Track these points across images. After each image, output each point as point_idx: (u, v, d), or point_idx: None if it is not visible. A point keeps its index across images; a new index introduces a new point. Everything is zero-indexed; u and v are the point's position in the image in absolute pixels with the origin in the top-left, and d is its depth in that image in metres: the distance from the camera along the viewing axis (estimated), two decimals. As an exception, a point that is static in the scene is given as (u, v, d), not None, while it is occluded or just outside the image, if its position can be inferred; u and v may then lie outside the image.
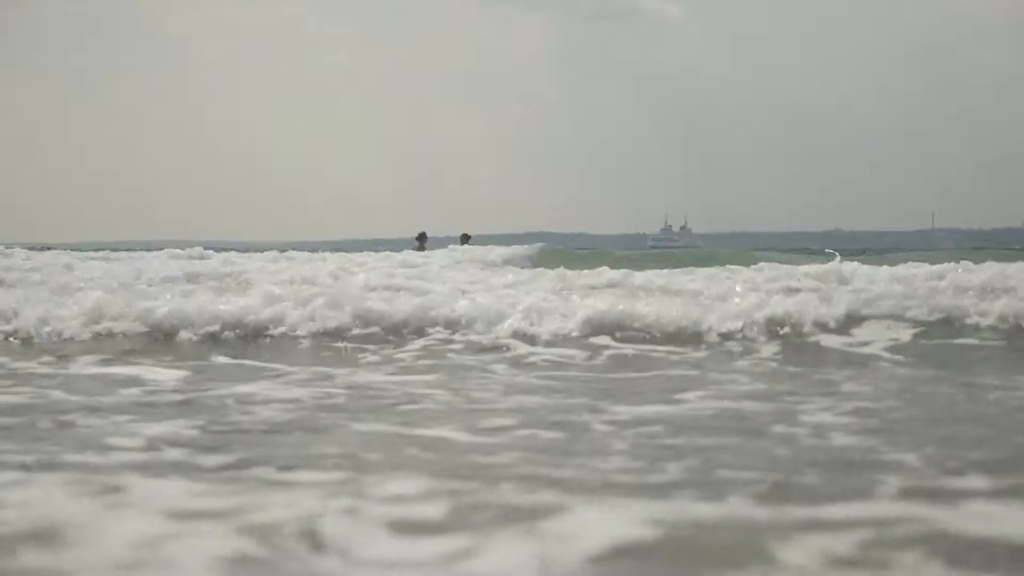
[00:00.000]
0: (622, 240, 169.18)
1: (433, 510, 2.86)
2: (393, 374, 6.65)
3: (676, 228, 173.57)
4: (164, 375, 6.56)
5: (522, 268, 23.43)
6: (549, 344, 7.82)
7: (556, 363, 7.14)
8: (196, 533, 2.65)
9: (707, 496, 3.20)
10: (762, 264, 15.73)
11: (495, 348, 7.77)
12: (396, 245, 43.02)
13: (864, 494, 3.23)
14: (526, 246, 29.90)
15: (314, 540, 2.61)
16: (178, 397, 5.62)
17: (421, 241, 30.98)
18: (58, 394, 5.68)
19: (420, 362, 7.25)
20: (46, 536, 2.62)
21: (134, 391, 5.86)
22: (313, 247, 43.23)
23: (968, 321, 8.11)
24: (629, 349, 7.74)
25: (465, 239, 31.62)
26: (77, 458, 3.83)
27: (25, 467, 3.61)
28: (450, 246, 30.08)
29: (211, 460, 3.84)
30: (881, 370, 6.75)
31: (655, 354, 7.55)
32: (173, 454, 3.98)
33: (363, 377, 6.44)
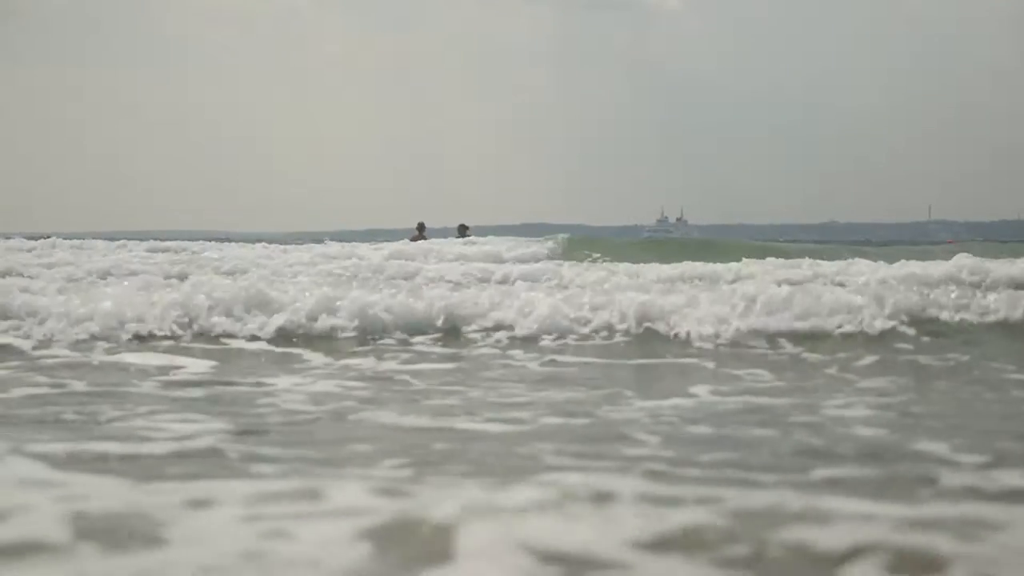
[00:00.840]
0: (619, 231, 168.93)
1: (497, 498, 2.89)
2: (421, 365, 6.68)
3: (672, 219, 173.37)
4: (197, 365, 6.61)
5: (550, 260, 23.13)
6: (581, 338, 7.79)
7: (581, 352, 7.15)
8: (286, 534, 2.66)
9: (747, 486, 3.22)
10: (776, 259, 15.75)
11: (524, 341, 7.74)
12: (392, 236, 42.88)
13: (896, 487, 3.26)
14: (556, 236, 28.69)
15: (410, 536, 2.64)
16: (207, 390, 5.64)
17: (420, 231, 30.53)
18: (81, 385, 5.70)
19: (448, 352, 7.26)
20: (141, 533, 2.63)
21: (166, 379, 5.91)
22: (308, 238, 43.16)
23: (983, 316, 8.05)
24: (642, 342, 7.74)
25: (463, 231, 30.80)
26: (125, 450, 3.86)
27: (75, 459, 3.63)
28: (449, 238, 29.70)
29: (267, 453, 3.87)
30: (905, 363, 6.71)
31: (670, 346, 7.54)
32: (229, 447, 4.01)
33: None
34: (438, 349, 7.44)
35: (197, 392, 5.52)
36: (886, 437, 4.17)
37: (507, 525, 2.62)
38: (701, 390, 5.49)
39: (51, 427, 4.40)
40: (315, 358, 6.91)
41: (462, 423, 4.53)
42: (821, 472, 3.48)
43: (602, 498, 2.88)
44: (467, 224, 31.24)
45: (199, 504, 2.81)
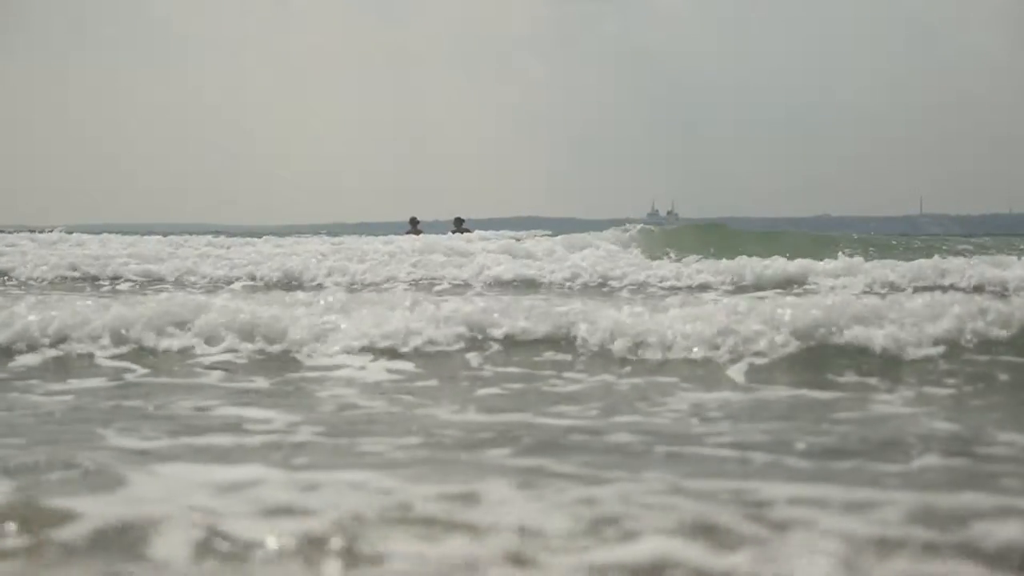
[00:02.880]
0: (611, 225, 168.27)
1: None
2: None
3: (663, 213, 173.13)
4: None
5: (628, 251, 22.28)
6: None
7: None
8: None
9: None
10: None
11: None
12: (385, 229, 42.80)
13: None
14: (627, 227, 27.69)
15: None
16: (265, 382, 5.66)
17: (414, 225, 30.26)
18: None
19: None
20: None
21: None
22: (304, 231, 43.12)
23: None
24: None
25: (459, 224, 30.51)
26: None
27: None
28: (450, 232, 29.34)
29: (357, 445, 3.93)
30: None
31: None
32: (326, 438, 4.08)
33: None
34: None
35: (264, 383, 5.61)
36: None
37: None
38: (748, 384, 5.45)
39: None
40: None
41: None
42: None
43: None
44: (463, 217, 31.07)
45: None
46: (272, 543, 2.66)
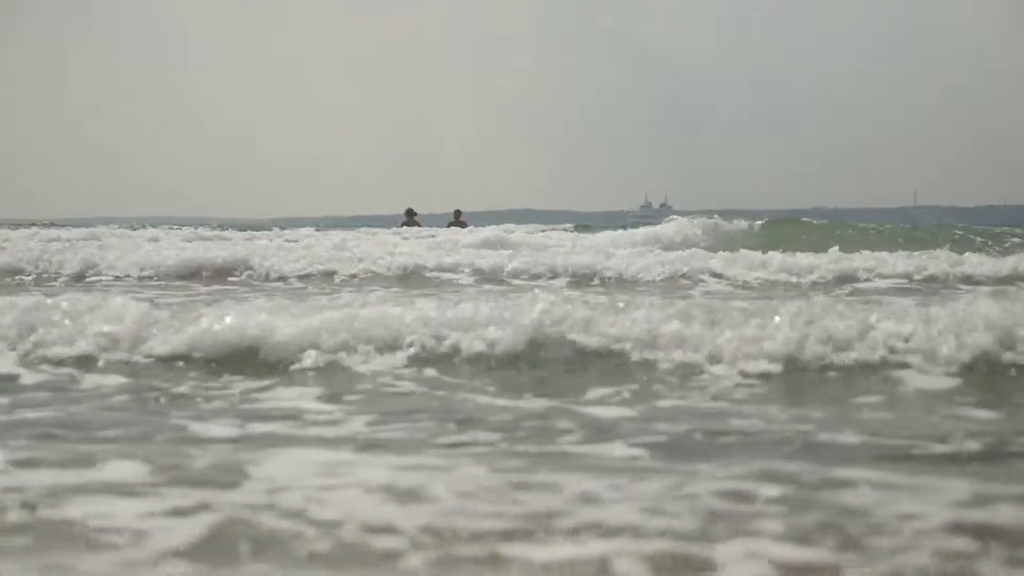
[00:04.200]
0: (604, 217, 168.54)
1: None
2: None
3: (656, 205, 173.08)
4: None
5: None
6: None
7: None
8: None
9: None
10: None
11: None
12: (380, 222, 42.62)
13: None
14: (691, 219, 24.90)
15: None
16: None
17: (410, 217, 29.95)
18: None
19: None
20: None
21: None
22: (296, 224, 42.91)
23: None
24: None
25: (457, 216, 29.85)
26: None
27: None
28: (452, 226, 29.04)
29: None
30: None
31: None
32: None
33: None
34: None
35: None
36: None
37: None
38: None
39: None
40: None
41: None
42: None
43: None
44: (460, 210, 30.42)
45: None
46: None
